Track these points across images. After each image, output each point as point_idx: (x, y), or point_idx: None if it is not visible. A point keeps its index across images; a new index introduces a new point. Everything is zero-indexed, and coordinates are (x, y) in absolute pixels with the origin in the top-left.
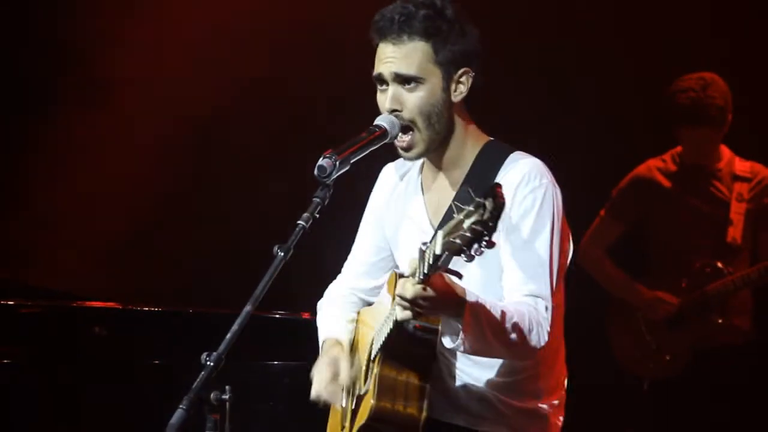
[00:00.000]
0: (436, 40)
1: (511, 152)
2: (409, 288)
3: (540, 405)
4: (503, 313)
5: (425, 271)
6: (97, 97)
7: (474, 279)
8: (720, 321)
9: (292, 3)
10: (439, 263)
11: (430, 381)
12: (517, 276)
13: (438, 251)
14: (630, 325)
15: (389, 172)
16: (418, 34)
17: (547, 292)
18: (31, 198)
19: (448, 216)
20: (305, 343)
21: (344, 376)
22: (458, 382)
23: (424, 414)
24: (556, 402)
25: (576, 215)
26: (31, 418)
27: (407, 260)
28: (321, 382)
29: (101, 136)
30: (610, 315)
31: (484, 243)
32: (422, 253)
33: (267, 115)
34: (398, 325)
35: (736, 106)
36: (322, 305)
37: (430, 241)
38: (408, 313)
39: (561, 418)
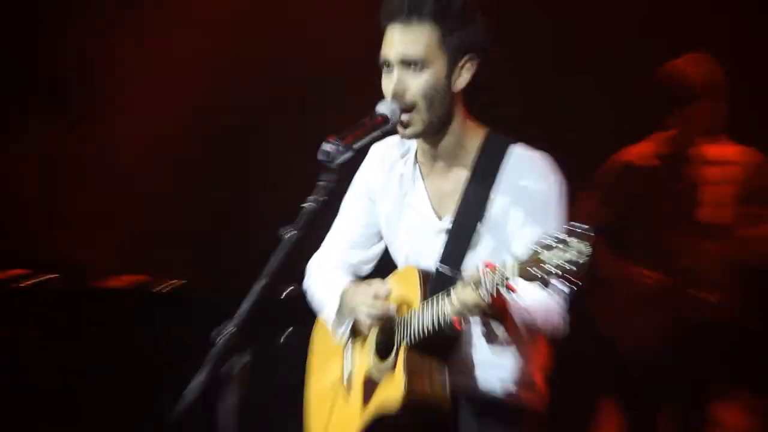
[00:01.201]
0: (445, 24)
1: (514, 145)
2: (476, 303)
3: (529, 371)
4: (534, 312)
5: (492, 291)
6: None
7: (486, 248)
8: (699, 296)
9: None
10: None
11: (449, 363)
12: None
13: (510, 276)
14: (611, 299)
15: (380, 152)
16: (428, 16)
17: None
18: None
19: (463, 208)
20: (314, 314)
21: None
22: (464, 357)
23: (447, 392)
24: (541, 367)
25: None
26: (51, 390)
27: (469, 271)
28: (370, 299)
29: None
30: (594, 290)
31: (572, 281)
32: (487, 272)
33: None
34: (439, 327)
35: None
36: (312, 275)
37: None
38: (465, 317)
39: (546, 382)
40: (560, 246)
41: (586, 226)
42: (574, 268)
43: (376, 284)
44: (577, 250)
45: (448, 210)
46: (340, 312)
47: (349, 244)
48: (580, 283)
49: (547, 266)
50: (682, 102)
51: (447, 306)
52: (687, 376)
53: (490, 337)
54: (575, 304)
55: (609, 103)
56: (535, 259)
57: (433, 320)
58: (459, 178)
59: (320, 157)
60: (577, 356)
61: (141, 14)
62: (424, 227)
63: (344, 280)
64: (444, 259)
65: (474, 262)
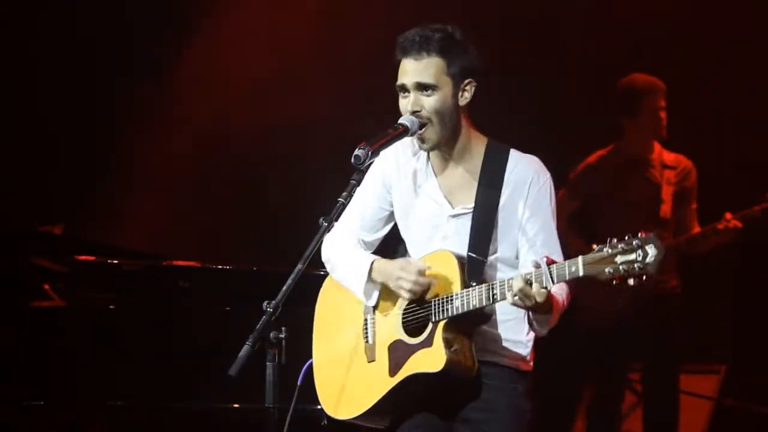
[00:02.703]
0: (448, 56)
1: (510, 149)
2: (539, 292)
3: (523, 338)
4: (565, 298)
5: (555, 280)
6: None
7: (504, 234)
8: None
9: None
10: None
11: (474, 339)
12: (541, 252)
13: (581, 273)
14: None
15: (394, 151)
16: (435, 52)
17: (562, 258)
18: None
19: (480, 207)
20: None
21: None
22: (484, 333)
23: (476, 364)
24: (532, 334)
25: None
26: (130, 351)
27: (527, 264)
28: (413, 275)
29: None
30: None
31: (643, 279)
32: (549, 266)
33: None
34: (483, 306)
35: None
36: (335, 247)
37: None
38: (522, 305)
39: (533, 347)
40: (639, 252)
41: (653, 234)
42: (647, 269)
43: (416, 261)
44: (657, 257)
45: (459, 201)
46: (370, 281)
47: (360, 227)
48: (650, 283)
49: (618, 266)
50: (631, 111)
51: (505, 295)
52: (650, 339)
53: (536, 326)
54: None
55: (582, 111)
56: (602, 259)
57: (482, 303)
58: (467, 176)
59: (353, 160)
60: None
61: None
62: (436, 212)
63: (369, 254)
64: (472, 247)
65: (495, 247)
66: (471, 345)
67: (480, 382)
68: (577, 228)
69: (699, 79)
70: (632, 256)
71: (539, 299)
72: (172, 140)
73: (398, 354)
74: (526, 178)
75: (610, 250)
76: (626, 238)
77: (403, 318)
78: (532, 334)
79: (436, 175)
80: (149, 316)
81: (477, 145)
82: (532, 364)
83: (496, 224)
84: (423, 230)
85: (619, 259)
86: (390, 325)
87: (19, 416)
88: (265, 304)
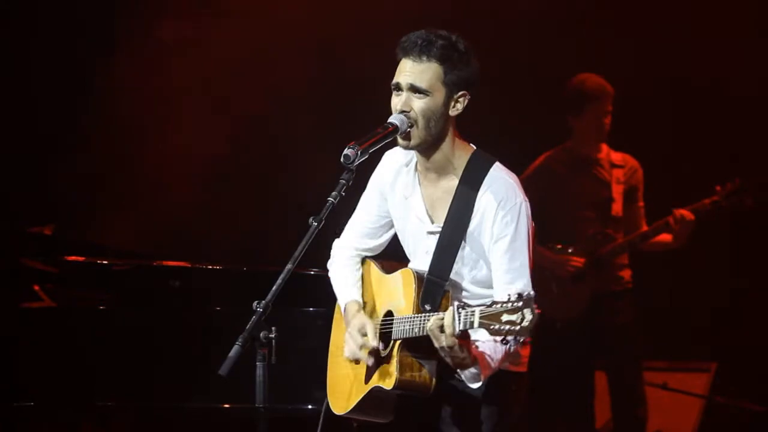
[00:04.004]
0: (447, 65)
1: (492, 165)
2: (447, 340)
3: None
4: (496, 360)
5: (461, 328)
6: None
7: (468, 258)
8: (610, 273)
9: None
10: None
11: (437, 357)
12: (505, 278)
13: (475, 325)
14: (542, 281)
15: (393, 159)
16: (435, 58)
17: (529, 286)
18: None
19: (448, 227)
20: (333, 294)
21: (372, 339)
22: None
23: (434, 381)
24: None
25: None
26: (121, 350)
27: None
28: (355, 344)
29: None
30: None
31: (519, 342)
32: (458, 313)
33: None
34: (421, 336)
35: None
36: (334, 265)
37: (464, 310)
38: (447, 354)
39: (525, 350)
40: (519, 314)
41: (533, 294)
42: (521, 332)
43: (369, 327)
44: (529, 320)
45: (437, 218)
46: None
47: (362, 234)
48: (528, 341)
49: (501, 326)
50: (577, 111)
51: (425, 329)
52: (609, 332)
53: (470, 379)
54: None
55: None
56: (493, 315)
57: (418, 332)
58: (447, 187)
59: (342, 159)
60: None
61: None
62: (418, 228)
63: (349, 288)
64: (432, 271)
65: (457, 270)
66: (431, 363)
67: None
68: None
69: (646, 72)
70: (513, 317)
71: (446, 343)
72: (164, 139)
73: (373, 361)
74: (495, 203)
75: (499, 307)
76: (515, 297)
77: (381, 326)
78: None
79: (420, 186)
80: (139, 316)
81: (460, 158)
82: (524, 365)
83: (463, 246)
84: (410, 243)
85: (504, 317)
86: (372, 330)
87: (9, 417)
88: (255, 303)
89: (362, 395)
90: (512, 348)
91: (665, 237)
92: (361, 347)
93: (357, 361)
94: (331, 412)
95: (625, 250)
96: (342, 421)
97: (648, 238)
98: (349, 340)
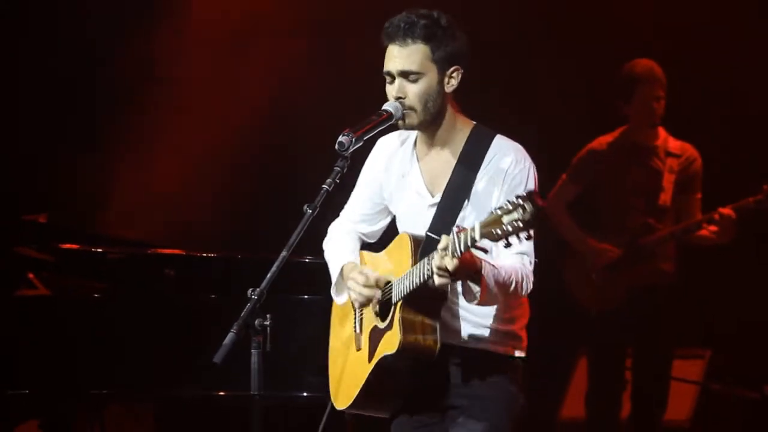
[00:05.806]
0: (433, 43)
1: (495, 136)
2: (449, 262)
3: (513, 327)
4: (506, 274)
5: (462, 249)
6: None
7: (471, 221)
8: (650, 265)
9: None
10: (473, 245)
11: (440, 319)
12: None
13: (477, 237)
14: (582, 269)
15: (386, 143)
16: (420, 38)
17: (532, 250)
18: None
19: (451, 186)
20: (328, 281)
21: (374, 275)
22: (460, 316)
23: (438, 344)
24: (524, 324)
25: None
26: (115, 338)
27: (443, 239)
28: (359, 284)
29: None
30: (566, 260)
31: (524, 236)
32: (457, 234)
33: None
34: (425, 283)
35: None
36: (331, 239)
37: (460, 228)
38: (446, 280)
39: (525, 336)
40: (519, 210)
41: (536, 191)
42: (525, 224)
43: (367, 271)
44: (526, 209)
45: (439, 188)
46: (339, 283)
47: (359, 218)
48: (532, 236)
49: (504, 226)
50: (626, 97)
51: (431, 269)
52: (643, 328)
53: (468, 297)
54: (553, 273)
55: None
56: (494, 221)
57: (419, 279)
58: (449, 161)
59: (336, 147)
60: (554, 315)
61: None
62: (418, 202)
63: (347, 254)
64: (432, 228)
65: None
66: (433, 325)
67: (464, 370)
68: (573, 217)
69: (706, 69)
70: (515, 215)
71: (450, 267)
72: (159, 128)
73: (375, 340)
74: (504, 165)
75: (498, 212)
76: (508, 200)
77: (378, 305)
78: (523, 321)
79: (419, 162)
80: (134, 304)
81: (461, 131)
82: (524, 350)
83: (465, 206)
84: (409, 222)
85: (505, 219)
86: (371, 313)
87: (4, 405)
88: (249, 291)
89: (367, 375)
90: (520, 244)
91: (709, 232)
92: (365, 285)
93: (368, 302)
94: (335, 411)
95: (667, 241)
96: (338, 417)
97: (690, 232)
98: (354, 287)
